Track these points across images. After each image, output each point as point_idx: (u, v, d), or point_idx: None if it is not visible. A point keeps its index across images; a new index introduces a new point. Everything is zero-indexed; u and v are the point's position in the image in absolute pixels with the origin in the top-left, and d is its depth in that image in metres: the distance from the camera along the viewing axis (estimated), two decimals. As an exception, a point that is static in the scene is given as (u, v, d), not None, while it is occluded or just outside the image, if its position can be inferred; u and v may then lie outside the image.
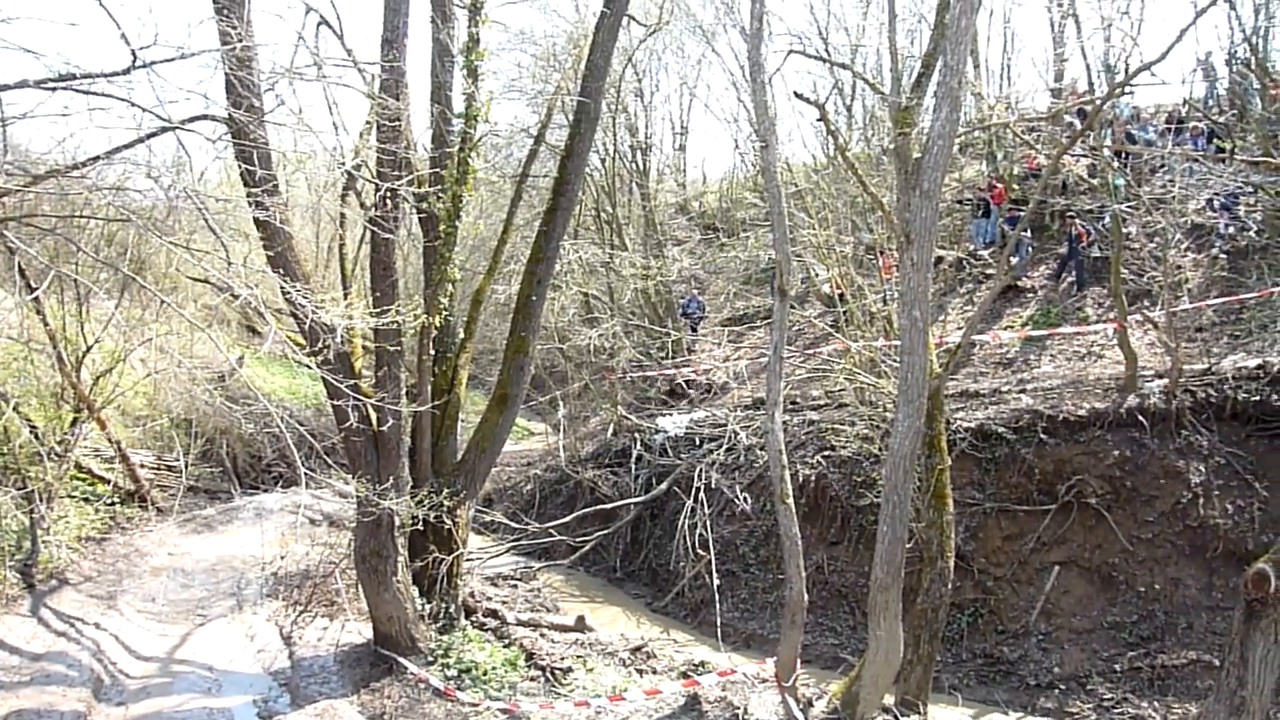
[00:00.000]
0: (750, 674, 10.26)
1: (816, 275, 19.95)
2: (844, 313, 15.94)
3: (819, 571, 13.44)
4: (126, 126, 7.65)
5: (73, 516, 14.78)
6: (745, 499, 14.89)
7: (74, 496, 15.31)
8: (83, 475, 15.97)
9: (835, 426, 14.32)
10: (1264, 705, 6.74)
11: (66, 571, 13.19)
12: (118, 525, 15.76)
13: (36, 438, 13.37)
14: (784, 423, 9.79)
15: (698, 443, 16.97)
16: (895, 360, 9.97)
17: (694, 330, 22.74)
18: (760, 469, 15.30)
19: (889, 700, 9.02)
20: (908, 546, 8.41)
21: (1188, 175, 13.49)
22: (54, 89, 6.38)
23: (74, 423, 14.63)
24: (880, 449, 12.52)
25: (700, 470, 15.57)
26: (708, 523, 14.52)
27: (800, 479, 13.97)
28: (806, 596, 9.23)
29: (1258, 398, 11.62)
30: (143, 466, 17.23)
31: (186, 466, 17.67)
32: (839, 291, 16.75)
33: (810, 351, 18.52)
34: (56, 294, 14.60)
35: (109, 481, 16.37)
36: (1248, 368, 12.10)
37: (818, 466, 14.38)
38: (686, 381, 20.57)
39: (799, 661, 9.39)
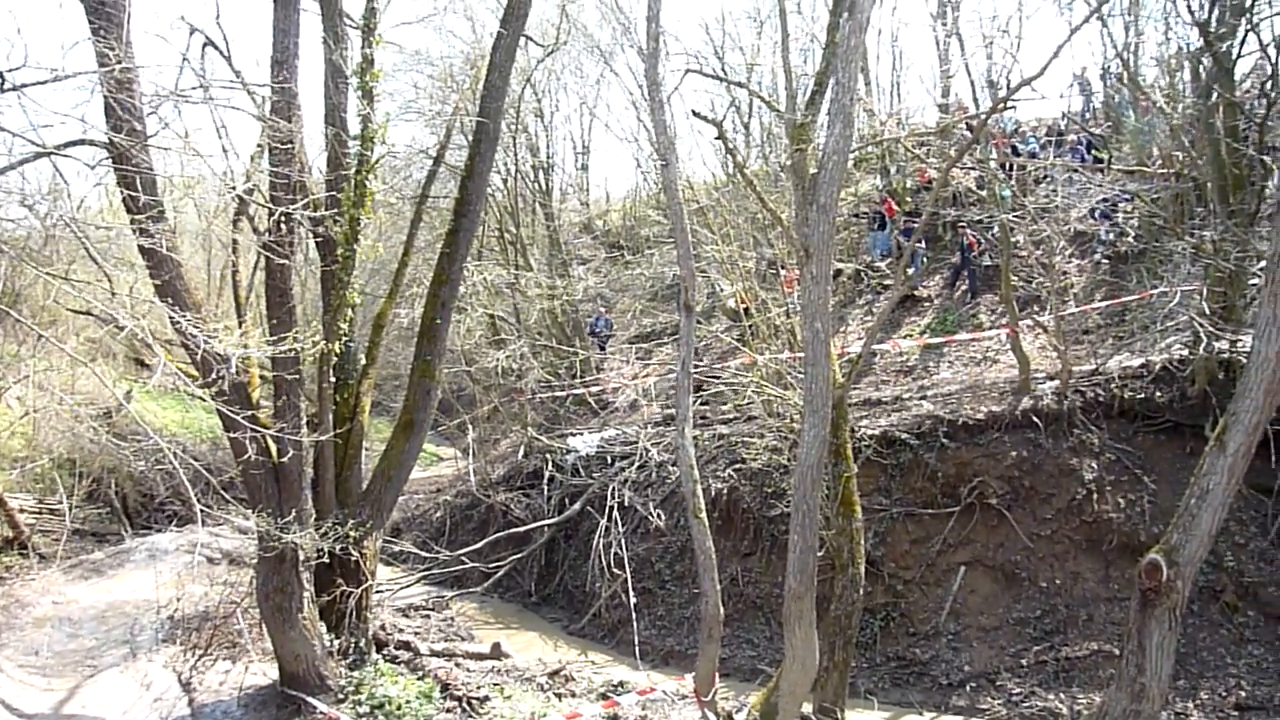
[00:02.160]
0: (670, 691, 10.25)
1: (721, 290, 20.21)
2: (749, 327, 16.17)
3: (734, 584, 13.52)
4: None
5: (-58, 568, 13.80)
6: (659, 515, 14.90)
7: (-56, 547, 14.31)
8: (-48, 523, 14.93)
9: (745, 439, 14.48)
10: (1163, 690, 7.05)
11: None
12: (-6, 575, 14.77)
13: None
14: (695, 437, 9.84)
15: (610, 461, 16.93)
16: (800, 372, 10.14)
17: (602, 349, 22.74)
18: (672, 485, 15.35)
19: (807, 708, 9.10)
20: (819, 554, 8.51)
21: (1069, 185, 14.20)
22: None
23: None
24: (789, 459, 12.71)
25: (613, 489, 15.53)
26: (622, 541, 14.48)
27: (712, 493, 14.07)
28: (722, 610, 9.26)
29: (1143, 395, 12.24)
30: (22, 511, 16.21)
31: (71, 509, 16.70)
32: (744, 306, 16.98)
33: (718, 366, 18.71)
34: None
35: (-18, 529, 15.35)
36: (1132, 367, 12.75)
37: (729, 480, 14.51)
38: (596, 400, 20.52)
39: (718, 675, 9.41)
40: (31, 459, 17.41)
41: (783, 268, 16.80)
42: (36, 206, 10.54)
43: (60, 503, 16.85)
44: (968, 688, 11.20)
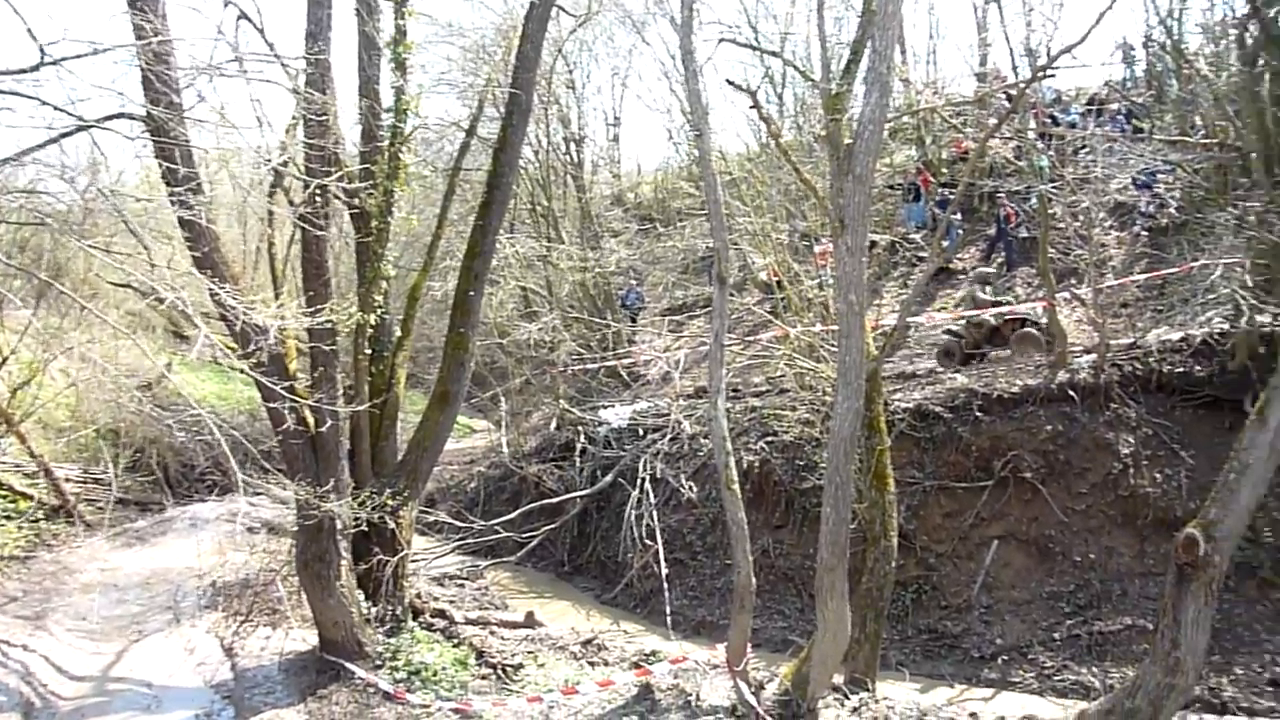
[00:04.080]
0: (701, 661, 10.29)
1: (753, 263, 20.10)
2: (781, 299, 16.09)
3: (765, 556, 13.55)
4: (36, 126, 7.33)
5: (-7, 535, 14.20)
6: (690, 487, 14.95)
7: (-7, 514, 14.71)
8: (3, 492, 15.33)
9: (777, 412, 14.46)
10: (1197, 665, 6.99)
11: (-11, 592, 12.68)
12: (43, 542, 15.19)
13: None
14: (726, 410, 9.82)
15: (641, 434, 16.98)
16: (833, 344, 10.09)
17: (633, 321, 22.74)
18: (704, 457, 15.38)
19: (838, 679, 9.13)
20: (851, 527, 8.51)
21: (1109, 155, 13.89)
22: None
23: (-9, 437, 14.06)
24: (821, 433, 12.68)
25: (645, 461, 15.59)
26: (654, 513, 14.55)
27: (744, 465, 14.07)
28: (754, 581, 9.29)
29: (1181, 369, 12.04)
30: (68, 480, 16.62)
31: (115, 478, 17.08)
32: (776, 279, 16.89)
33: (750, 338, 18.66)
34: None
35: (32, 498, 15.75)
36: (1171, 340, 12.53)
37: (761, 452, 14.50)
38: (627, 373, 20.58)
39: (749, 646, 9.45)
40: (76, 430, 17.82)
41: (816, 240, 16.67)
42: (76, 180, 10.69)
43: (104, 472, 17.25)
44: (999, 661, 11.18)
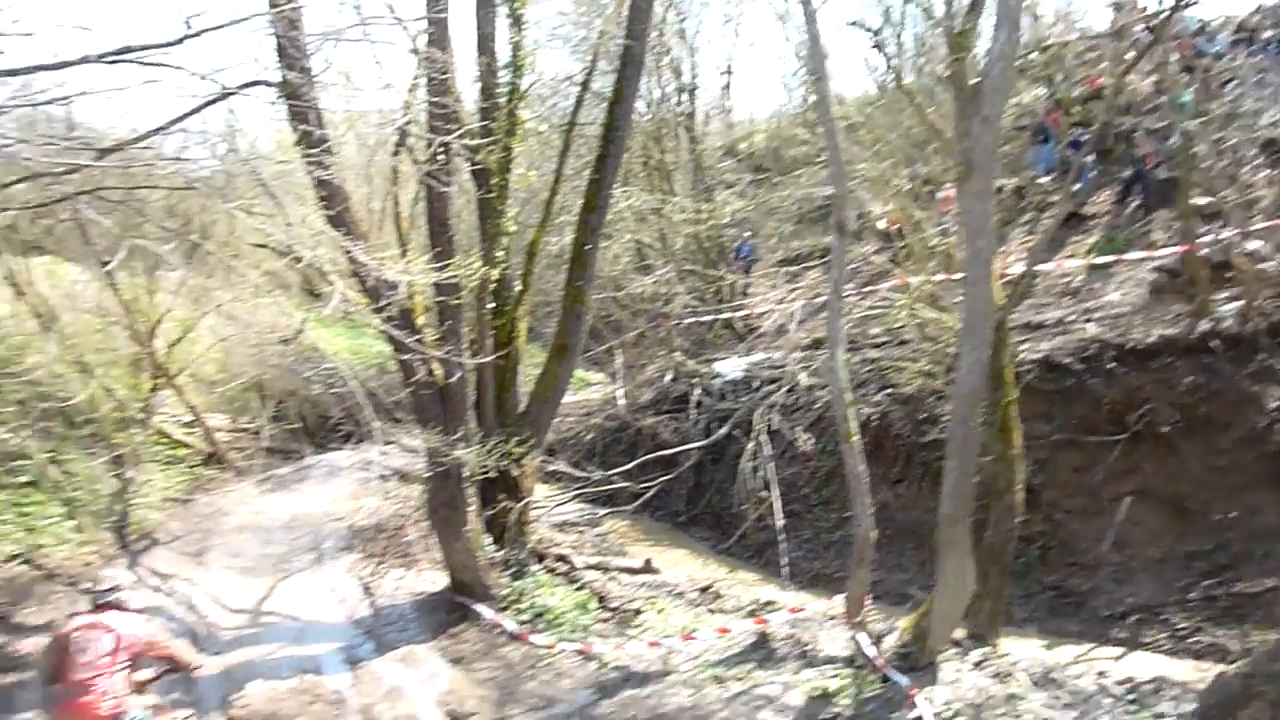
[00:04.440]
0: (818, 611, 10.34)
1: (871, 211, 19.62)
2: (902, 248, 15.70)
3: (884, 510, 13.35)
4: (180, 96, 7.78)
5: (158, 479, 15.41)
6: (806, 440, 14.89)
7: (157, 461, 15.94)
8: (164, 440, 16.60)
9: (897, 364, 14.20)
10: (1350, 627, 6.62)
11: (156, 531, 13.79)
12: (200, 487, 16.37)
13: (120, 406, 13.91)
14: (845, 361, 9.72)
15: (756, 386, 16.96)
16: (957, 294, 9.81)
17: (747, 273, 22.58)
18: (820, 409, 15.27)
19: (959, 634, 9.05)
20: (974, 481, 8.36)
21: (1260, 88, 12.89)
22: (113, 62, 6.50)
23: (153, 390, 15.19)
24: (944, 385, 12.41)
25: (760, 413, 15.59)
26: (769, 465, 14.57)
27: (862, 418, 13.89)
28: (874, 533, 9.26)
29: (1338, 317, 11.21)
30: (219, 430, 17.83)
31: (263, 429, 18.21)
32: (896, 226, 16.48)
33: (868, 289, 18.29)
34: (127, 267, 15.05)
35: (189, 446, 17.01)
36: (1327, 286, 11.66)
37: (880, 405, 14.31)
38: (742, 325, 20.52)
39: (868, 598, 9.45)
40: (224, 383, 19.05)
41: (939, 186, 16.13)
42: (217, 147, 11.29)
43: (251, 422, 18.42)
44: (1130, 620, 10.82)
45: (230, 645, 10.30)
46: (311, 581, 12.64)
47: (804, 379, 15.85)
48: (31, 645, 9.39)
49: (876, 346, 15.78)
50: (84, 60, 6.39)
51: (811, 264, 21.65)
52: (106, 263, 13.45)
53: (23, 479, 12.51)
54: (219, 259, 11.24)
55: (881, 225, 19.48)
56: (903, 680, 8.15)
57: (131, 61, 6.53)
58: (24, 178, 7.71)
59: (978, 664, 8.61)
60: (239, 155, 11.83)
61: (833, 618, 10.21)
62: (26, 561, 11.13)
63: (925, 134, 13.64)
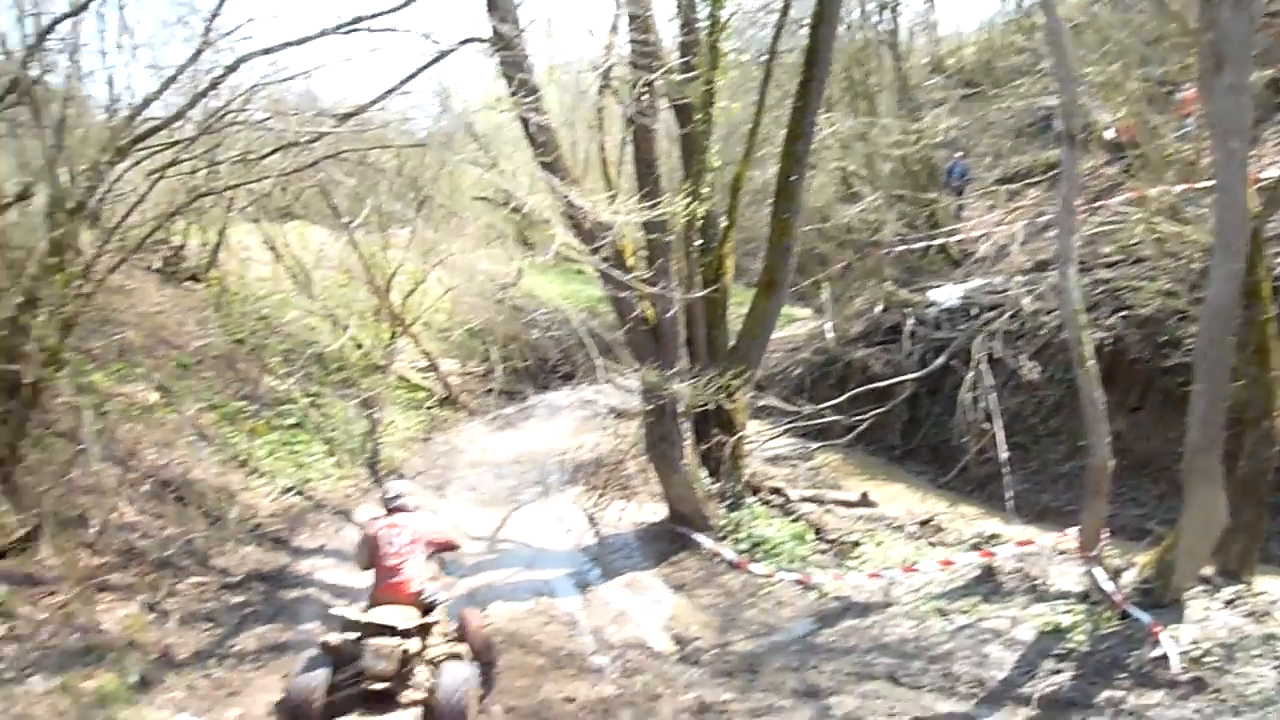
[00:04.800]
0: (1048, 545, 9.87)
1: (1098, 120, 17.96)
2: (1138, 156, 14.35)
3: (1119, 440, 12.26)
4: (400, 60, 8.32)
5: (400, 420, 16.87)
6: (1032, 368, 14.08)
7: (399, 403, 17.44)
8: (404, 385, 18.12)
9: (1132, 284, 13.09)
10: None
11: (402, 467, 15.13)
12: (436, 427, 17.76)
13: (365, 354, 15.28)
14: (1076, 281, 9.04)
15: (975, 313, 16.16)
16: (1201, 205, 8.86)
17: (959, 195, 21.40)
18: (1046, 335, 14.38)
19: (1208, 570, 8.38)
20: (1226, 407, 7.62)
21: None
22: (348, 32, 7.05)
23: (392, 338, 16.55)
24: (1187, 304, 11.35)
25: (979, 341, 14.87)
26: (991, 395, 13.92)
27: (1095, 342, 12.85)
28: (1111, 463, 8.68)
29: None
30: (451, 374, 19.21)
31: (492, 372, 19.43)
32: (1128, 136, 15.09)
33: (1097, 204, 16.85)
34: (364, 226, 16.39)
35: (425, 389, 18.45)
36: None
37: (1113, 328, 13.27)
38: (957, 250, 19.55)
39: (1104, 531, 8.91)
40: (452, 330, 20.45)
41: (1176, 87, 14.56)
42: (434, 107, 11.92)
43: (478, 365, 19.71)
44: None
45: (472, 570, 11.16)
46: (540, 512, 13.47)
47: (1028, 304, 14.92)
48: (309, 566, 10.66)
49: (1109, 266, 14.55)
50: (323, 33, 6.96)
51: (1032, 180, 20.17)
52: (348, 223, 14.67)
53: (290, 421, 14.07)
54: (443, 213, 12.07)
55: (1109, 135, 17.84)
56: (1144, 617, 7.67)
57: (363, 29, 7.05)
58: (277, 148, 8.50)
59: (1229, 602, 7.95)
60: (455, 113, 12.52)
61: (1063, 552, 9.74)
62: (299, 493, 12.54)
63: (1160, 28, 12.28)
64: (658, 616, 9.58)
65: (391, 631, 6.42)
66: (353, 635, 6.52)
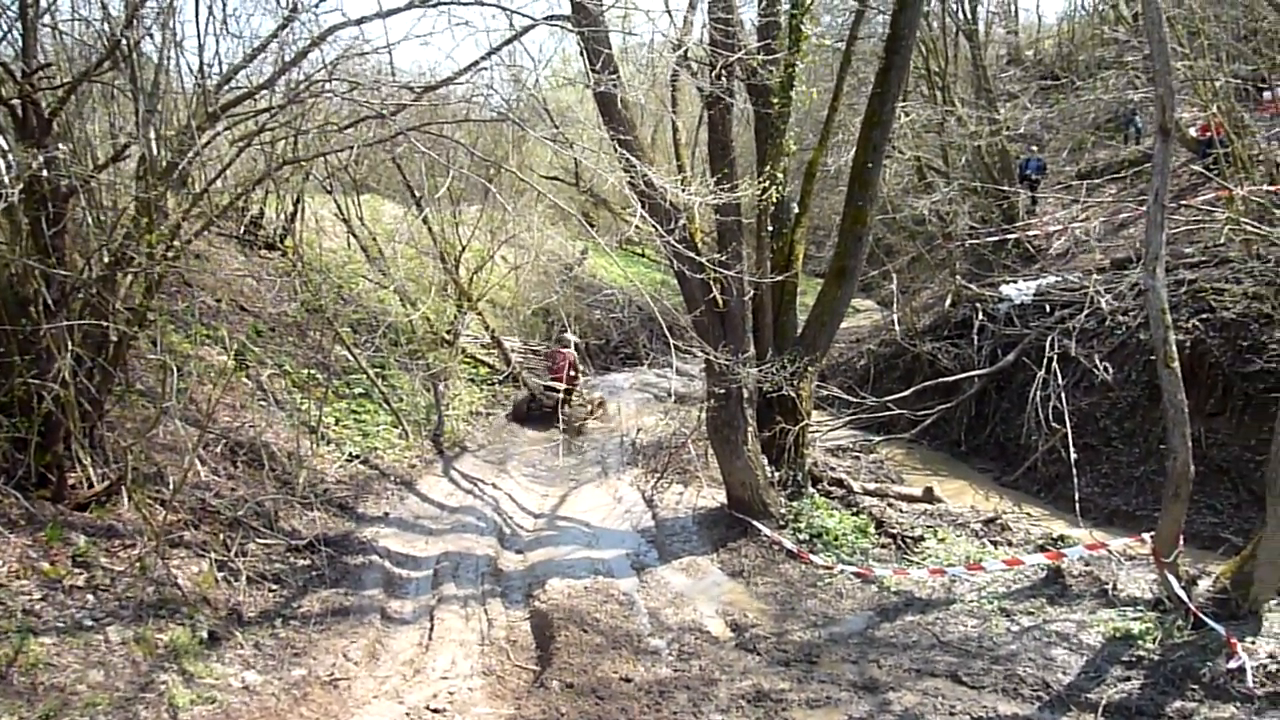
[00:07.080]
0: (1119, 549, 9.62)
1: (1181, 117, 17.34)
2: (1226, 153, 13.82)
3: (1196, 445, 11.88)
4: (476, 37, 8.36)
5: (464, 394, 17.07)
6: (1106, 368, 13.70)
7: (463, 378, 17.64)
8: (468, 360, 18.31)
9: (1215, 285, 12.66)
10: None
11: (465, 440, 15.33)
12: (498, 402, 17.93)
13: (432, 329, 15.47)
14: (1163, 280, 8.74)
15: (1048, 310, 15.77)
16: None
17: (1034, 190, 20.88)
18: (1122, 335, 13.99)
19: (1289, 584, 8.07)
20: (1315, 412, 7.33)
21: None
22: (435, 5, 7.09)
23: (458, 314, 16.73)
24: (1273, 308, 10.94)
25: (1052, 339, 14.52)
26: (1061, 395, 13.58)
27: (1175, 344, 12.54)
28: (1192, 468, 8.39)
29: None
30: (514, 351, 19.36)
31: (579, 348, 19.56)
32: (1216, 133, 14.58)
33: (1181, 204, 16.30)
34: (433, 202, 16.56)
35: (489, 365, 18.63)
36: None
37: (1193, 331, 12.84)
38: (1031, 245, 19.08)
39: (1181, 537, 8.63)
40: (516, 308, 20.60)
41: (1265, 86, 14.01)
42: (509, 85, 11.93)
43: (540, 344, 19.84)
44: None
45: (530, 545, 11.29)
46: (598, 492, 13.54)
47: (1104, 303, 14.50)
48: (371, 533, 10.83)
49: (1192, 267, 14.08)
50: (410, 5, 7.01)
51: (1113, 175, 19.58)
52: (420, 197, 14.82)
53: (358, 390, 14.33)
54: (512, 191, 12.12)
55: (1192, 132, 17.23)
56: (1219, 628, 7.43)
57: (450, 2, 7.08)
58: (358, 120, 8.58)
59: (1310, 618, 7.66)
60: (529, 91, 12.54)
61: (1134, 557, 9.51)
62: (364, 461, 12.77)
63: (1252, 24, 11.84)
64: (714, 601, 9.55)
65: (553, 390, 15.39)
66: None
